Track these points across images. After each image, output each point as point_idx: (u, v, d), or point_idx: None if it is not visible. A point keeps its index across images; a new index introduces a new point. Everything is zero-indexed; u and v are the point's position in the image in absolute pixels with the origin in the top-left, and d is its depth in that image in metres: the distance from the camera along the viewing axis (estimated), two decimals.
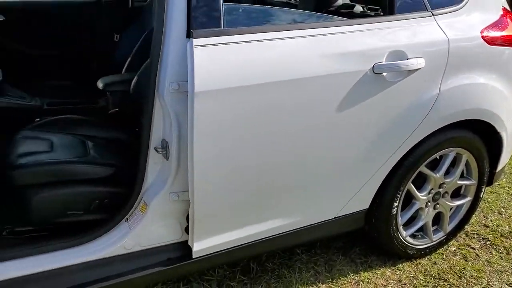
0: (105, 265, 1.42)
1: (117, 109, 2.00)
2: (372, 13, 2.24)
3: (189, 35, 1.27)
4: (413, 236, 1.97)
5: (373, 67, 1.48)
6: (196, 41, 1.24)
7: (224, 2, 1.32)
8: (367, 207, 1.79)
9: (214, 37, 1.28)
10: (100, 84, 1.97)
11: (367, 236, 1.97)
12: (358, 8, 2.29)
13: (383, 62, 1.50)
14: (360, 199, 1.74)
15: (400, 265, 1.96)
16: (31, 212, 1.46)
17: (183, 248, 1.50)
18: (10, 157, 1.53)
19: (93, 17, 2.70)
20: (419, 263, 1.98)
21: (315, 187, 1.60)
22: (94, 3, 2.71)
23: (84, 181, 1.52)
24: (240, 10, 1.45)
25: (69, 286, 1.39)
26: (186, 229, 1.48)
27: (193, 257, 1.47)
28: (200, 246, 1.45)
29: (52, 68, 2.66)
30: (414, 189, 1.85)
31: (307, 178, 1.56)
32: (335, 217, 1.73)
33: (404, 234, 1.92)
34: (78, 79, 2.57)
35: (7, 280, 1.31)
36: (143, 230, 1.43)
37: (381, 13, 2.00)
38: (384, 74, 1.51)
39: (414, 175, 1.80)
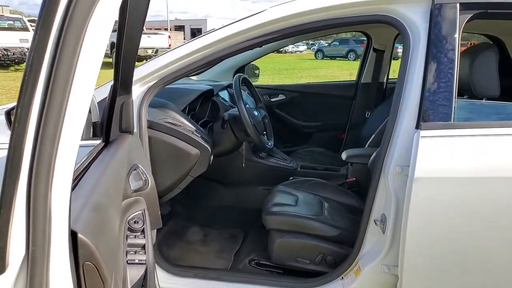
0: None
1: (354, 178, 2.27)
2: None
3: (418, 126, 1.43)
4: None
5: None
6: (423, 133, 1.38)
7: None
8: None
9: (441, 130, 1.38)
10: (343, 156, 2.30)
11: None
12: None
13: None
14: None
15: None
16: (273, 251, 1.87)
17: None
18: (268, 204, 2.01)
19: (351, 96, 3.16)
20: None
21: None
22: (353, 85, 3.18)
23: (315, 236, 1.83)
24: (471, 105, 1.50)
25: None
26: None
27: None
28: None
29: (311, 136, 3.24)
30: None
31: None
32: None
33: None
34: (329, 147, 3.03)
35: None
36: None
37: None
38: None
39: None
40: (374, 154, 2.10)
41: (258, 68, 3.36)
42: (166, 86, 1.86)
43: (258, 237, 2.22)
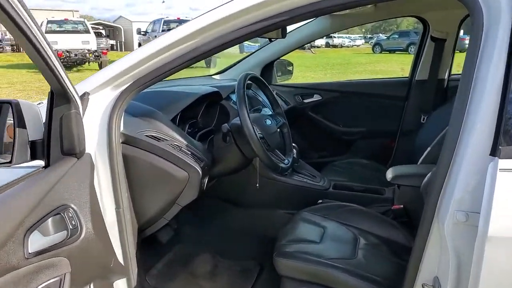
0: None
1: (402, 206, 1.75)
2: None
3: (494, 152, 0.91)
4: None
5: None
6: (502, 163, 0.87)
7: None
8: None
9: None
10: (388, 175, 1.78)
11: None
12: None
13: None
14: None
15: None
16: None
17: None
18: (282, 240, 1.56)
19: (403, 96, 2.59)
20: None
21: None
22: (405, 82, 2.60)
23: None
24: None
25: None
26: None
27: None
28: None
29: (352, 145, 2.71)
30: None
31: None
32: None
33: None
34: (375, 159, 2.48)
35: None
36: None
37: None
38: None
39: None
40: (429, 175, 1.57)
41: (291, 64, 2.88)
42: (151, 89, 1.47)
43: (275, 274, 1.78)
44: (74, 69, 14.78)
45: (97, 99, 1.25)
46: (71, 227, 0.89)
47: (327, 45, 29.75)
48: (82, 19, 17.84)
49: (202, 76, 2.65)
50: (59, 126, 1.01)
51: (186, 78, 2.44)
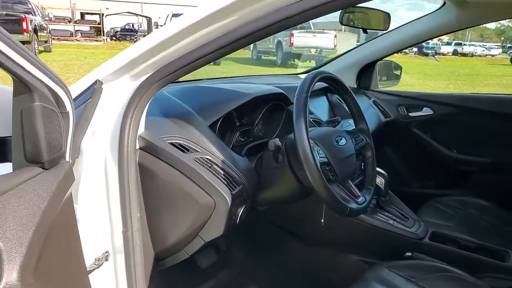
0: None
1: None
2: None
3: None
4: None
5: None
6: None
7: None
8: None
9: None
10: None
11: None
12: None
13: None
14: None
15: None
16: None
17: None
18: None
19: None
20: None
21: None
22: None
23: None
24: None
25: None
26: None
27: None
28: None
29: (468, 178, 2.07)
30: None
31: None
32: None
33: None
34: (499, 202, 1.83)
35: None
36: None
37: None
38: None
39: None
40: None
41: (399, 68, 2.34)
42: (197, 84, 1.15)
43: None
44: None
45: (112, 89, 0.98)
46: None
47: (455, 52, 26.84)
48: None
49: (285, 75, 2.27)
50: (19, 122, 0.73)
51: (265, 76, 2.08)
